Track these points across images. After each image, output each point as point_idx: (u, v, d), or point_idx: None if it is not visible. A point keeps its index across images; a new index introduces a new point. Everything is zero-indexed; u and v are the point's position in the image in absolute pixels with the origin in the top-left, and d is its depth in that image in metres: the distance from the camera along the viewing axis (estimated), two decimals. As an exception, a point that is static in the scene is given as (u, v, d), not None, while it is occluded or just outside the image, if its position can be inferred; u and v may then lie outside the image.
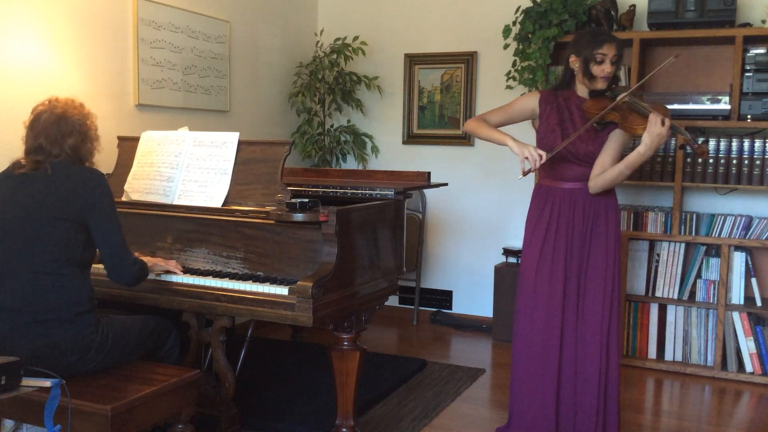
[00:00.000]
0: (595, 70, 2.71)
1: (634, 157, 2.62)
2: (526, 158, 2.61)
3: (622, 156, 2.73)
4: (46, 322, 2.30)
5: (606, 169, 2.70)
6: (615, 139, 2.73)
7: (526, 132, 3.31)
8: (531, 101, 2.87)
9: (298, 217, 2.59)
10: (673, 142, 3.98)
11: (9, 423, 2.57)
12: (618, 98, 2.66)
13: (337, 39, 4.93)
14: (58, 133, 2.41)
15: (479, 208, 4.87)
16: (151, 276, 2.72)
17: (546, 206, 2.80)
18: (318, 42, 5.04)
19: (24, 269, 2.31)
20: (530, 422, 2.77)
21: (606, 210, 2.79)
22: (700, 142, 2.61)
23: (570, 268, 2.75)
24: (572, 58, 2.77)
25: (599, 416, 2.76)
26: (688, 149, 2.64)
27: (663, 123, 2.55)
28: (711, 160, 3.96)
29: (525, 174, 2.63)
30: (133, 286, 2.59)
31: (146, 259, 2.72)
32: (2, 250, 2.35)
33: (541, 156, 2.61)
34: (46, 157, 2.40)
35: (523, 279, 2.82)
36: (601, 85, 2.73)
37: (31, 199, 2.35)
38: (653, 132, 2.55)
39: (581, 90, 2.80)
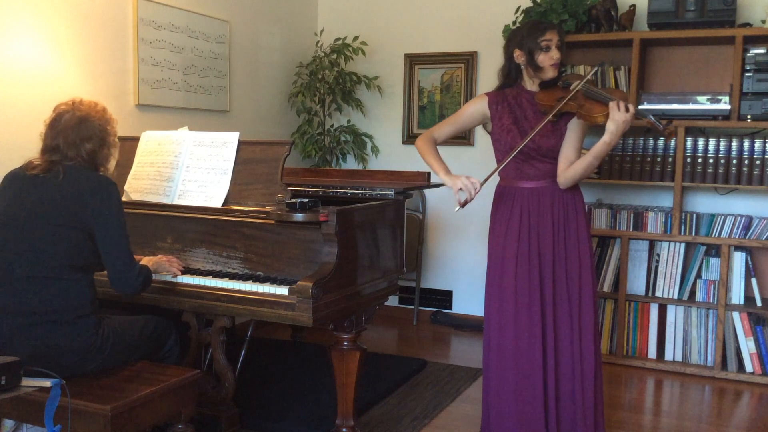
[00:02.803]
0: (542, 59, 2.65)
1: (601, 147, 2.57)
2: (461, 189, 2.56)
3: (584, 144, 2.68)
4: (46, 324, 2.30)
5: (572, 161, 2.66)
6: (575, 129, 2.68)
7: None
8: (480, 105, 2.80)
9: (298, 217, 2.59)
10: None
11: (9, 423, 2.57)
12: (573, 88, 2.59)
13: (337, 39, 4.93)
14: (77, 136, 2.39)
15: (479, 208, 4.86)
16: (154, 276, 2.73)
17: (515, 208, 2.74)
18: (318, 42, 5.04)
19: (27, 272, 2.30)
20: (516, 427, 2.74)
21: (575, 207, 2.74)
22: (665, 125, 2.50)
23: (544, 270, 2.70)
24: (516, 53, 2.70)
25: (587, 414, 2.72)
26: (658, 134, 2.51)
27: (627, 109, 2.49)
28: (711, 160, 3.96)
29: (462, 206, 2.56)
30: (137, 295, 2.57)
31: (148, 259, 2.72)
32: (5, 251, 2.34)
33: (474, 185, 2.55)
34: (61, 158, 2.39)
35: (503, 285, 2.72)
36: (551, 73, 2.67)
37: (38, 202, 2.34)
38: (618, 119, 2.49)
39: (530, 84, 2.74)
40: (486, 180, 2.58)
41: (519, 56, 2.70)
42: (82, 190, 2.35)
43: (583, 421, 2.72)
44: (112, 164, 2.56)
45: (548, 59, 2.65)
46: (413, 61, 5.04)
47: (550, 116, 2.58)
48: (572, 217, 2.73)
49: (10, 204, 2.39)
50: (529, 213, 2.72)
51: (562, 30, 2.70)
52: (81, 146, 2.39)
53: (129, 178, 3.09)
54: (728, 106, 3.89)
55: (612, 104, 2.51)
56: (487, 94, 2.83)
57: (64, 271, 2.32)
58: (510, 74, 2.76)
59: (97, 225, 2.35)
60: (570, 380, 2.72)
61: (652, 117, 2.53)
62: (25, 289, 2.30)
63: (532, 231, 2.71)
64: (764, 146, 3.87)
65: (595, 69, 2.69)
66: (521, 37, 2.69)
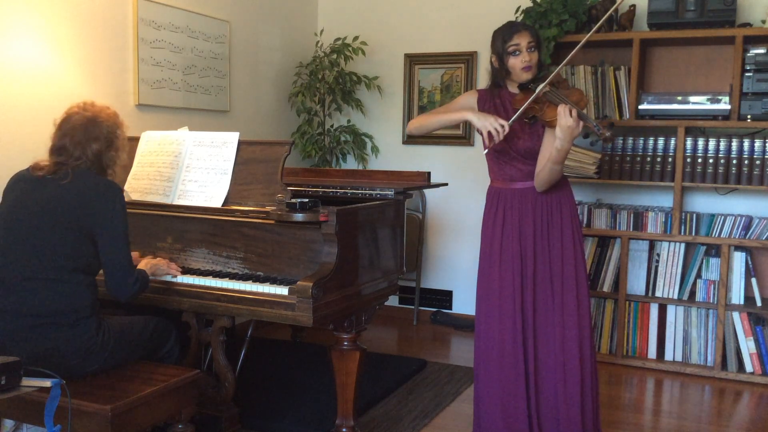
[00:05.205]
0: (512, 62, 2.66)
1: (554, 153, 2.58)
2: (489, 131, 2.56)
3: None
4: (47, 326, 2.29)
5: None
6: (550, 133, 2.68)
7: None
8: (470, 100, 2.84)
9: (298, 217, 2.59)
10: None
11: (9, 423, 2.57)
12: (537, 90, 2.59)
13: (337, 39, 4.93)
14: (84, 136, 2.38)
15: (479, 208, 4.85)
16: (154, 277, 2.72)
17: (499, 209, 2.78)
18: (318, 42, 5.04)
19: (28, 273, 2.30)
20: (505, 426, 2.73)
21: (559, 208, 2.75)
22: (602, 129, 2.50)
23: (526, 271, 2.71)
24: (493, 58, 2.75)
25: (572, 413, 2.70)
26: (595, 138, 2.52)
27: (571, 114, 2.49)
28: (711, 160, 3.96)
29: (489, 147, 2.63)
30: (133, 299, 2.56)
31: (147, 261, 2.72)
32: (7, 252, 2.34)
33: (503, 126, 2.55)
34: (67, 159, 2.37)
35: (489, 286, 2.75)
36: (524, 76, 2.68)
37: (43, 203, 2.33)
38: (563, 125, 2.49)
39: (512, 86, 2.77)
40: (512, 120, 2.59)
41: (494, 61, 2.75)
42: (89, 194, 2.34)
43: (566, 420, 2.70)
44: (119, 168, 2.54)
45: (518, 63, 2.66)
46: (413, 61, 5.04)
47: (515, 117, 2.60)
48: (556, 218, 2.75)
49: (14, 205, 2.38)
50: (512, 214, 2.76)
51: (535, 30, 2.71)
52: (87, 146, 2.38)
53: (129, 178, 3.09)
54: (728, 106, 3.89)
55: (559, 109, 2.51)
56: (478, 90, 2.87)
57: (65, 272, 2.31)
58: (494, 78, 2.80)
59: (100, 230, 2.34)
60: (552, 380, 2.72)
61: (592, 121, 2.54)
62: (26, 290, 2.29)
63: (515, 231, 2.74)
64: (764, 146, 3.87)
65: (556, 71, 2.65)
66: (493, 41, 2.72)
